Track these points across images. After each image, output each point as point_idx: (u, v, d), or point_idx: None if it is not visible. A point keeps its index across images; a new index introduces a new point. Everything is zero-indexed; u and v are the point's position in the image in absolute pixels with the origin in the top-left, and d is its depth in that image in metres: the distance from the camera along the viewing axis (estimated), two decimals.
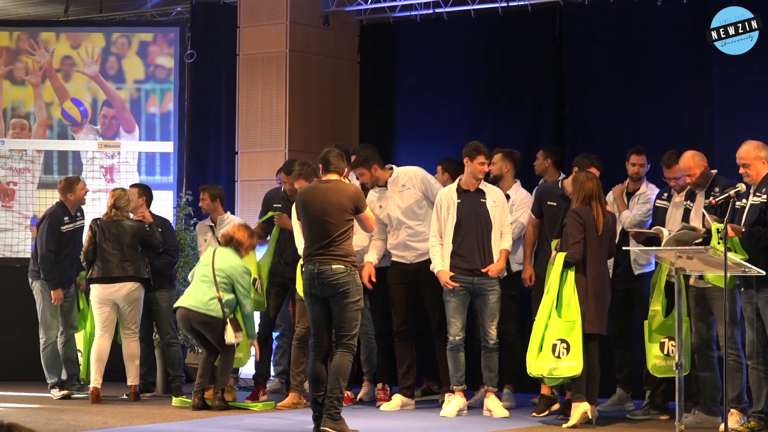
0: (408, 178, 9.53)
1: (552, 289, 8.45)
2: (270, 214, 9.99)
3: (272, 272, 10.08)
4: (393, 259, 9.59)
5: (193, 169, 12.13)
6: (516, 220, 9.43)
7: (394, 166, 9.68)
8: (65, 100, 12.06)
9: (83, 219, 10.47)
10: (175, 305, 9.50)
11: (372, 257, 9.52)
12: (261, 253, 10.17)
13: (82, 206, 10.49)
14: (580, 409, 8.37)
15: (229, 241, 9.45)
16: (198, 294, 9.30)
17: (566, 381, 8.47)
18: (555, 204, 9.17)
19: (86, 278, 10.05)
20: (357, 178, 9.55)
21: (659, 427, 8.52)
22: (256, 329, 9.65)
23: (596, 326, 8.42)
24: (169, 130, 12.01)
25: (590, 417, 8.41)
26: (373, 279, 9.43)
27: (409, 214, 9.47)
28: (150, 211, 10.44)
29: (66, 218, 10.27)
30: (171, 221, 11.00)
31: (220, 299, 9.25)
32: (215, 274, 9.28)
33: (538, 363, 8.39)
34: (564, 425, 8.44)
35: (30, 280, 10.39)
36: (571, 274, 8.43)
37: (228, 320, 9.23)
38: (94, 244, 9.97)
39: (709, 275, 7.99)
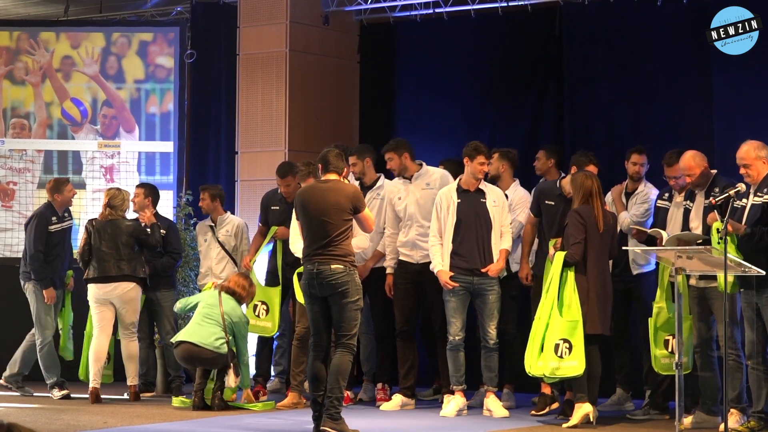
0: (435, 179, 9.53)
1: (552, 289, 8.44)
2: (272, 231, 9.99)
3: (271, 272, 10.10)
4: (400, 258, 9.60)
5: (193, 169, 12.13)
6: (514, 220, 9.44)
7: (424, 163, 9.68)
8: (65, 99, 12.07)
9: (71, 220, 10.50)
10: (178, 339, 9.45)
11: (389, 265, 9.62)
12: (265, 250, 10.17)
13: (70, 207, 10.50)
14: (583, 410, 8.37)
15: (232, 294, 9.49)
16: (204, 332, 9.30)
17: (566, 380, 8.48)
18: (553, 203, 9.18)
19: (83, 278, 10.05)
20: (386, 163, 9.61)
21: (659, 427, 8.52)
22: (251, 379, 9.76)
23: (598, 327, 8.42)
24: (169, 130, 12.01)
25: (591, 419, 8.40)
26: (392, 292, 9.62)
27: (424, 212, 9.46)
28: (156, 212, 10.44)
29: (54, 218, 10.29)
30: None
31: (227, 341, 9.29)
32: (223, 318, 9.32)
33: (540, 363, 8.39)
34: (564, 425, 8.44)
35: (22, 282, 10.40)
36: (571, 274, 8.43)
37: (232, 364, 9.28)
38: (89, 245, 9.98)
39: (721, 280, 7.94)
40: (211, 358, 9.27)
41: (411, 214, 9.51)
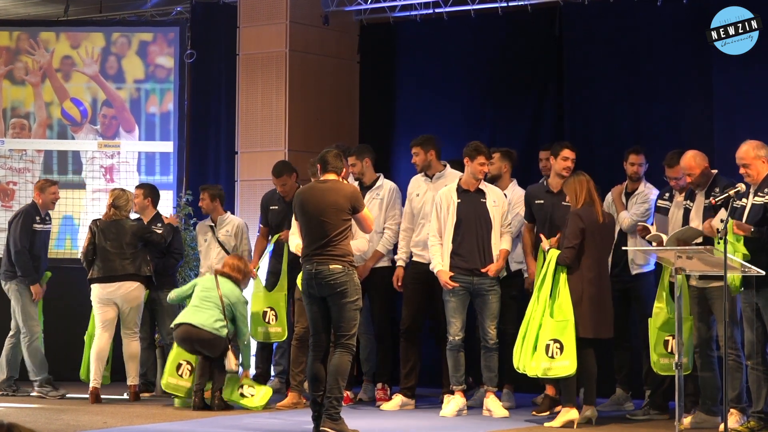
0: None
1: (545, 288, 8.45)
2: (275, 239, 10.00)
3: (272, 272, 10.10)
4: (413, 258, 9.60)
5: (193, 169, 12.13)
6: (517, 214, 9.44)
7: (448, 164, 9.67)
8: (65, 99, 12.06)
9: (50, 224, 10.50)
10: (176, 322, 9.47)
11: (401, 258, 9.63)
12: (267, 249, 10.18)
13: (50, 212, 10.50)
14: (568, 415, 8.40)
15: (228, 277, 9.50)
16: (203, 315, 9.34)
17: (559, 380, 8.52)
18: (542, 201, 9.23)
19: (87, 278, 10.04)
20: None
21: (659, 427, 8.52)
22: (252, 360, 9.76)
23: (590, 331, 8.42)
24: (169, 130, 12.00)
25: (575, 426, 8.39)
26: (399, 282, 9.61)
27: None
28: (157, 212, 10.48)
29: (38, 218, 10.31)
30: None
31: (226, 323, 9.31)
32: (222, 300, 9.33)
33: (533, 363, 8.41)
34: (546, 423, 8.47)
35: (3, 282, 10.37)
36: (563, 275, 8.44)
37: (230, 346, 9.32)
38: (94, 244, 9.99)
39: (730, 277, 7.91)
40: (209, 339, 9.28)
41: (426, 213, 9.51)
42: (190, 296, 9.56)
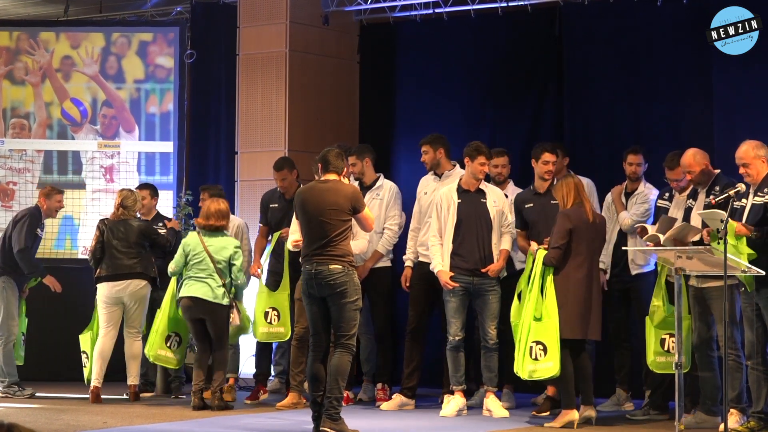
0: None
1: (534, 289, 8.44)
2: (275, 237, 10.00)
3: (273, 272, 10.10)
4: (419, 258, 9.61)
5: (193, 169, 12.13)
6: None
7: (458, 164, 9.68)
8: (65, 100, 12.06)
9: (43, 234, 10.49)
10: (181, 295, 9.48)
11: (409, 258, 9.64)
12: (267, 249, 10.17)
13: (46, 220, 10.52)
14: (568, 417, 8.39)
15: (211, 230, 9.48)
16: (203, 286, 9.36)
17: (545, 381, 8.54)
18: (532, 205, 9.23)
19: (94, 277, 10.04)
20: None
21: (659, 427, 8.52)
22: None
23: (577, 332, 8.40)
24: (169, 130, 12.00)
25: (576, 426, 8.39)
26: (408, 283, 9.63)
27: None
28: (159, 213, 10.49)
29: (40, 223, 10.34)
30: None
31: (224, 285, 9.36)
32: (215, 263, 9.35)
33: (522, 366, 8.43)
34: (546, 424, 8.47)
35: None
36: (550, 277, 8.43)
37: (233, 304, 9.39)
38: (102, 243, 9.99)
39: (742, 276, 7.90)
40: (212, 308, 9.34)
41: (431, 212, 9.50)
42: (186, 262, 9.54)
